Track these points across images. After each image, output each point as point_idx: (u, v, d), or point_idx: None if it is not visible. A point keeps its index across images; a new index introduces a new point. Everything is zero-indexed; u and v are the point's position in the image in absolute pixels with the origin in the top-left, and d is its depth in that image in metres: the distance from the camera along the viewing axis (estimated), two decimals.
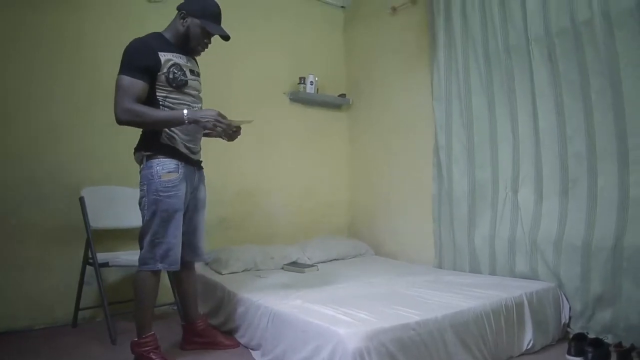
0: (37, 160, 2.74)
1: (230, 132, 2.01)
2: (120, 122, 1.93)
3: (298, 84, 3.78)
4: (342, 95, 4.05)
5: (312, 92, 3.79)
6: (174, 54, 2.02)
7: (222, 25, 2.12)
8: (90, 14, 2.94)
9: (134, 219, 2.86)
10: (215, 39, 2.15)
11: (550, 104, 2.51)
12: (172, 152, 2.02)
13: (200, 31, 2.03)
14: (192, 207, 2.18)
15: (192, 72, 2.09)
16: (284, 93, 3.79)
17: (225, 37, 2.11)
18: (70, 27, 2.87)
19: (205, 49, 2.13)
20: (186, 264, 2.22)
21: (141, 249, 2.03)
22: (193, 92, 2.10)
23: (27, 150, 2.72)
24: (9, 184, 2.65)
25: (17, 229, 2.66)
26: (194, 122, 1.95)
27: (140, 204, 2.03)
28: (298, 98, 3.81)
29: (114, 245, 2.90)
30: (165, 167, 1.99)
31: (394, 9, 3.57)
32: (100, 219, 2.70)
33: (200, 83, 2.17)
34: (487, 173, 2.85)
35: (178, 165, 2.01)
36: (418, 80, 3.38)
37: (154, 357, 2.00)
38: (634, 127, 2.17)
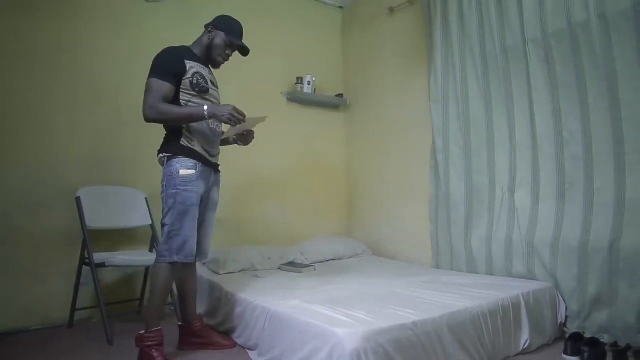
0: (34, 162, 2.73)
1: (241, 126, 2.15)
2: (147, 119, 2.09)
3: (296, 84, 3.78)
4: (340, 96, 4.05)
5: (310, 92, 3.79)
6: (198, 64, 2.21)
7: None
8: (88, 17, 2.93)
9: (130, 219, 2.87)
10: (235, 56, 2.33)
11: (547, 107, 2.52)
12: (190, 153, 2.15)
13: (223, 43, 2.23)
14: (204, 206, 2.26)
15: (212, 83, 2.27)
16: (282, 93, 3.79)
17: (245, 52, 2.32)
18: (68, 29, 2.87)
19: (226, 61, 2.30)
20: (187, 265, 2.24)
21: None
22: (213, 100, 2.25)
23: (24, 152, 2.71)
24: (5, 186, 2.64)
25: (14, 230, 2.65)
26: (213, 116, 2.08)
27: (161, 200, 2.16)
28: (296, 98, 3.81)
29: (111, 246, 2.88)
30: (184, 165, 2.12)
31: (392, 10, 3.57)
32: (96, 219, 2.69)
33: (219, 94, 2.33)
34: (484, 175, 2.86)
35: (196, 164, 2.14)
36: (415, 82, 3.39)
37: (155, 354, 2.02)
38: (630, 130, 2.19)
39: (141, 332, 2.07)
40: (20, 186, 2.68)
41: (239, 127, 2.19)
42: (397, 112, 3.60)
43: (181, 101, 2.13)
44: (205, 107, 2.07)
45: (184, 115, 2.10)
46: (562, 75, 2.44)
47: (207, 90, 2.19)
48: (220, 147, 2.35)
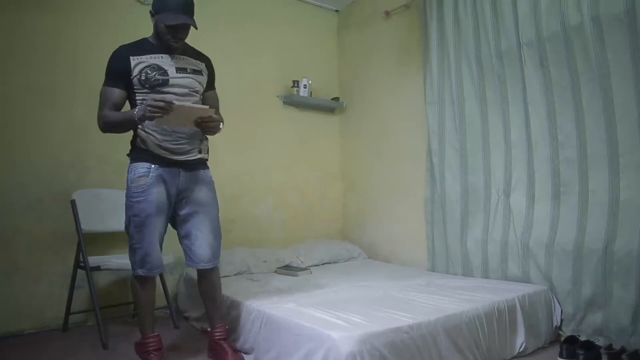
0: (29, 164, 2.72)
1: (175, 116, 1.88)
2: (100, 130, 2.02)
3: (291, 87, 3.78)
4: (336, 99, 4.05)
5: (306, 95, 3.79)
6: (154, 55, 2.01)
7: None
8: (85, 19, 2.93)
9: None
10: (193, 32, 2.07)
11: (541, 109, 2.54)
12: (144, 154, 2.01)
13: (162, 27, 1.97)
14: (188, 211, 2.09)
15: (179, 69, 2.03)
16: (277, 96, 3.79)
17: (184, 25, 1.99)
18: (64, 32, 2.86)
19: (179, 42, 2.02)
20: (200, 272, 2.17)
21: None
22: (179, 90, 2.02)
23: (18, 154, 2.70)
24: (1, 189, 2.63)
25: (8, 233, 2.63)
26: (142, 117, 1.87)
27: None
28: (291, 101, 3.81)
29: (106, 249, 2.87)
30: (136, 173, 1.99)
31: (388, 13, 3.59)
32: (91, 222, 2.68)
33: (194, 80, 2.08)
34: (479, 177, 2.87)
35: (149, 168, 1.98)
36: (411, 84, 3.40)
37: (153, 358, 2.01)
38: (624, 132, 2.20)
39: (138, 340, 2.08)
40: (14, 188, 2.67)
41: (174, 121, 1.92)
42: (392, 115, 3.61)
43: (137, 101, 1.98)
44: (135, 111, 1.89)
45: (119, 121, 1.96)
46: (557, 77, 2.45)
47: (163, 83, 1.98)
48: (205, 141, 2.16)
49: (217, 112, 2.17)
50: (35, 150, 2.75)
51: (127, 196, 2.00)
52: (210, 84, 2.22)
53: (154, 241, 2.00)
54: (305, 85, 3.78)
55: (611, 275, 2.20)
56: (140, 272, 2.01)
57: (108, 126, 1.99)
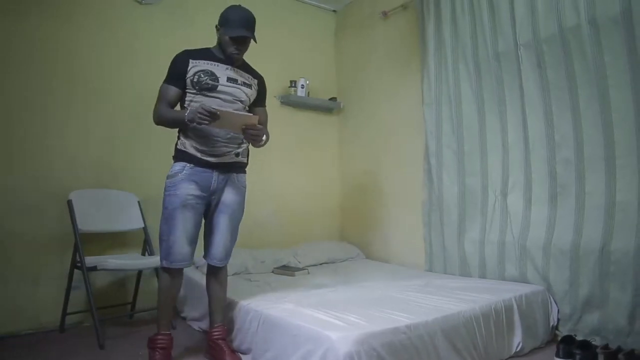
0: (25, 165, 2.71)
1: (222, 124, 2.01)
2: (154, 122, 2.16)
3: (289, 87, 3.78)
4: (333, 99, 4.06)
5: (303, 95, 3.79)
6: (211, 63, 2.16)
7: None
8: (82, 20, 2.92)
9: (123, 222, 2.85)
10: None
11: (539, 111, 2.54)
12: (182, 155, 2.14)
13: (226, 39, 2.14)
14: (214, 210, 2.21)
15: (230, 79, 2.18)
16: (275, 96, 3.79)
17: (244, 38, 2.16)
18: (63, 33, 2.86)
19: (240, 53, 2.20)
20: (209, 268, 2.26)
21: None
22: (225, 97, 2.16)
23: (15, 154, 2.69)
24: None
25: (4, 233, 2.62)
26: (191, 120, 2.00)
27: None
28: (289, 101, 3.81)
29: (103, 249, 2.87)
30: (172, 170, 2.14)
31: (385, 14, 3.59)
32: (88, 222, 2.67)
33: (242, 91, 2.21)
34: (477, 178, 2.87)
35: (184, 167, 2.12)
36: (409, 85, 3.41)
37: (156, 356, 2.07)
38: (621, 134, 2.21)
39: (151, 335, 2.14)
40: (11, 188, 2.66)
41: (222, 125, 2.03)
42: (390, 115, 3.61)
43: (186, 101, 2.14)
44: (186, 113, 2.04)
45: (170, 119, 2.12)
46: (554, 79, 2.46)
47: (212, 88, 2.12)
48: (244, 145, 2.25)
49: (265, 128, 2.28)
50: (32, 150, 2.74)
51: (164, 192, 2.13)
52: (261, 101, 2.39)
53: (180, 234, 2.09)
54: (302, 85, 3.78)
55: (608, 275, 2.21)
56: (164, 263, 2.11)
57: (160, 121, 2.13)
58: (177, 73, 2.13)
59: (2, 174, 2.64)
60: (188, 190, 2.09)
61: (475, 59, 2.86)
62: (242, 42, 2.17)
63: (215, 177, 2.16)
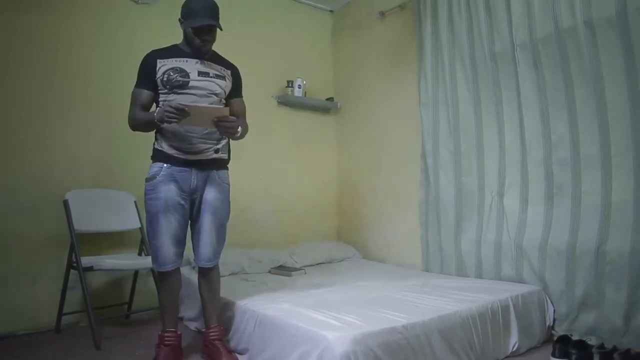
0: (22, 164, 2.70)
1: (192, 120, 1.94)
2: (130, 128, 2.14)
3: (286, 87, 3.78)
4: (330, 99, 4.06)
5: (300, 95, 3.79)
6: (179, 59, 2.10)
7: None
8: (79, 20, 2.91)
9: (119, 222, 2.85)
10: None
11: (535, 111, 2.55)
12: (159, 155, 2.11)
13: (190, 31, 2.07)
14: (198, 210, 2.16)
15: (201, 73, 2.11)
16: (272, 96, 3.79)
17: (209, 27, 2.07)
18: (62, 34, 2.85)
19: (207, 44, 2.10)
20: (199, 270, 2.23)
21: None
22: (198, 92, 2.09)
23: (11, 154, 2.68)
24: None
25: (2, 234, 2.61)
26: (161, 120, 1.95)
27: None
28: (286, 101, 3.80)
29: (99, 249, 2.86)
30: (150, 172, 2.10)
31: (383, 14, 3.59)
32: (85, 222, 2.66)
33: (215, 83, 2.14)
34: (473, 179, 2.88)
35: (161, 168, 2.08)
36: (405, 85, 3.41)
37: (160, 353, 2.08)
38: (617, 134, 2.22)
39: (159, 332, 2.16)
40: (9, 188, 2.65)
41: (193, 121, 1.97)
42: (387, 116, 3.62)
43: (160, 102, 2.09)
44: (155, 113, 2.00)
45: (143, 122, 2.08)
46: (550, 80, 2.47)
47: (183, 85, 2.06)
48: (223, 141, 2.19)
49: (244, 118, 2.24)
50: (30, 150, 2.73)
51: (144, 195, 2.10)
52: (236, 92, 2.28)
53: (164, 238, 2.07)
54: (299, 85, 3.78)
55: (604, 275, 2.22)
56: (154, 266, 2.14)
57: (135, 125, 2.11)
58: (146, 75, 2.09)
59: (0, 174, 2.63)
60: (169, 192, 2.06)
61: (472, 60, 2.87)
62: (208, 32, 2.07)
63: (194, 175, 2.11)
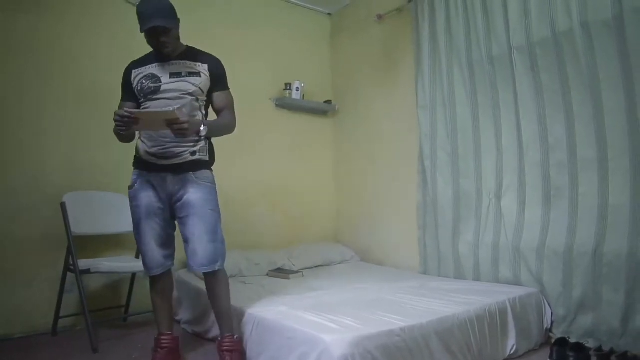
0: (19, 167, 2.69)
1: (144, 125, 1.92)
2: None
3: (284, 90, 3.78)
4: (328, 102, 4.06)
5: (298, 98, 3.80)
6: (152, 65, 2.10)
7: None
8: (78, 21, 2.91)
9: (116, 224, 2.83)
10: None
11: (532, 114, 2.56)
12: (137, 162, 2.14)
13: (146, 36, 2.03)
14: (183, 214, 2.08)
15: (173, 74, 2.06)
16: (270, 99, 3.79)
17: (160, 29, 1.97)
18: (59, 35, 2.84)
19: (165, 45, 2.02)
20: (204, 276, 2.15)
21: None
22: (169, 95, 2.04)
23: (8, 157, 2.67)
24: None
25: None
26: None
27: None
28: (284, 104, 3.81)
29: (97, 252, 2.85)
30: (131, 180, 2.13)
31: (380, 17, 3.60)
32: (82, 225, 2.65)
33: (188, 82, 2.06)
34: (471, 181, 2.88)
35: (138, 175, 2.11)
36: (403, 88, 3.41)
37: (156, 355, 2.10)
38: (613, 136, 2.22)
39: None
40: (5, 190, 2.64)
41: (147, 126, 1.97)
42: (385, 118, 3.62)
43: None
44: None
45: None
46: (547, 82, 2.48)
47: (155, 91, 2.03)
48: (201, 142, 2.11)
49: (229, 112, 2.19)
50: (27, 152, 2.72)
51: (129, 202, 2.14)
52: (217, 85, 2.17)
53: (149, 243, 2.10)
54: (297, 88, 3.78)
55: (601, 277, 2.22)
56: (144, 271, 2.16)
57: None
58: (125, 87, 2.13)
59: None
60: (149, 198, 2.07)
61: (470, 62, 2.88)
62: (163, 34, 1.98)
63: (169, 180, 2.06)
